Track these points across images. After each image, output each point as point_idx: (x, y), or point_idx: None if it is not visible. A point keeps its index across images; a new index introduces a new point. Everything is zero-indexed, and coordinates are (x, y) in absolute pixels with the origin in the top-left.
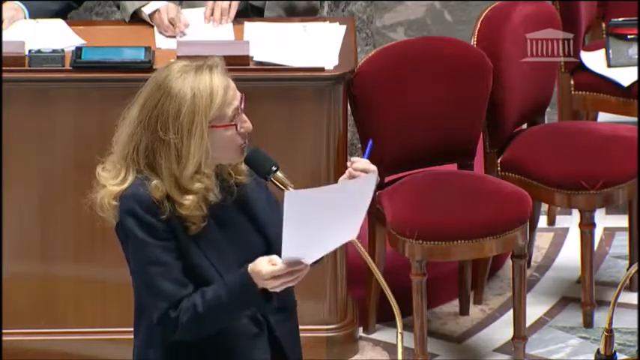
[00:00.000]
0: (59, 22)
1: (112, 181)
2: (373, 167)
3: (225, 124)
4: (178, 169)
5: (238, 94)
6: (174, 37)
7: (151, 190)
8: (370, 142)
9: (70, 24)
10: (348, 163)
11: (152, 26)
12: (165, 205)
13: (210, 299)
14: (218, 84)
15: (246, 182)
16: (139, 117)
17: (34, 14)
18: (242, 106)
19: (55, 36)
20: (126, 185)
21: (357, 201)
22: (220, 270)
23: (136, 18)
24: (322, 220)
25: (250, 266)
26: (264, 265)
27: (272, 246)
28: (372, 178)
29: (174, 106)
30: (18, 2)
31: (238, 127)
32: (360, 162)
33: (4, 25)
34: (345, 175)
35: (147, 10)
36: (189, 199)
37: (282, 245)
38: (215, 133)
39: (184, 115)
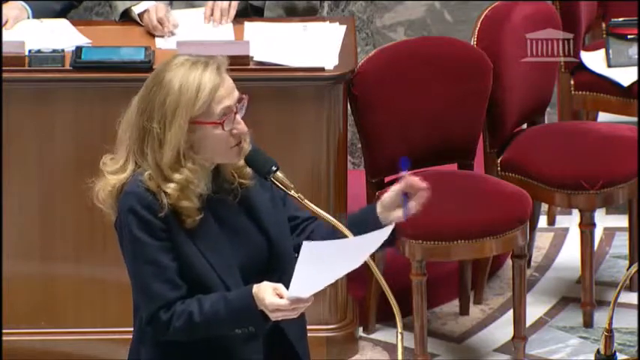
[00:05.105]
0: (64, 22)
1: (109, 168)
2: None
3: (212, 121)
4: (160, 157)
5: (236, 94)
6: (163, 37)
7: (145, 181)
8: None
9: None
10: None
11: None
12: (162, 198)
13: (208, 312)
14: (207, 80)
15: (250, 185)
16: (137, 104)
17: (37, 13)
18: (239, 106)
19: (60, 36)
20: (123, 176)
21: (365, 249)
22: (217, 268)
23: (126, 17)
24: (331, 266)
25: (254, 290)
26: (268, 295)
27: (274, 247)
28: (385, 235)
29: (161, 95)
30: (22, 2)
31: (225, 126)
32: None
33: (9, 25)
34: (398, 187)
35: (137, 9)
36: (170, 188)
37: (291, 284)
38: (201, 130)
39: (168, 106)
